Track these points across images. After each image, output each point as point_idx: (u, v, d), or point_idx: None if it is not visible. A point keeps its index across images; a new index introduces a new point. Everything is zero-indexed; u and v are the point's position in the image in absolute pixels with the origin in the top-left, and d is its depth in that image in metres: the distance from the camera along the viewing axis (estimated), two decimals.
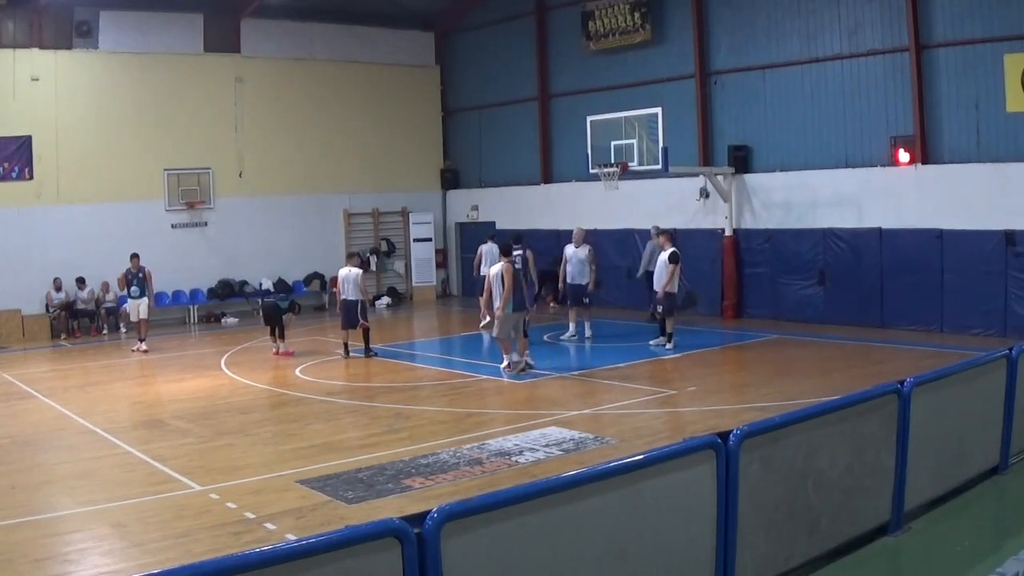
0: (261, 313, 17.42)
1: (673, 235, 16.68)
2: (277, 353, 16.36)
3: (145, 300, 17.61)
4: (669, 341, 15.39)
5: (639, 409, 11.43)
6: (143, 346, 17.53)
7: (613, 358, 14.93)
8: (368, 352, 15.88)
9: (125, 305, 20.59)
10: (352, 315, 15.66)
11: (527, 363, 13.88)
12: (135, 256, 17.65)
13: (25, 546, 7.07)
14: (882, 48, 16.93)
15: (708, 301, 19.63)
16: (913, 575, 6.00)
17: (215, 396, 13.09)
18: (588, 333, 16.82)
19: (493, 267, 14.17)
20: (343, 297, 15.77)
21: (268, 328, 16.82)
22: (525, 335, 14.20)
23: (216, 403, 12.58)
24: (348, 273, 15.82)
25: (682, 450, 4.79)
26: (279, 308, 16.56)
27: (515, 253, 15.26)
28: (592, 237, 18.38)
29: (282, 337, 16.54)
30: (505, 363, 13.89)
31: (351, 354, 15.82)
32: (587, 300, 16.83)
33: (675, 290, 15.51)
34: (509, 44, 24.43)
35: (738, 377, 13.89)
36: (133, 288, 17.51)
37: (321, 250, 23.98)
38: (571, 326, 16.99)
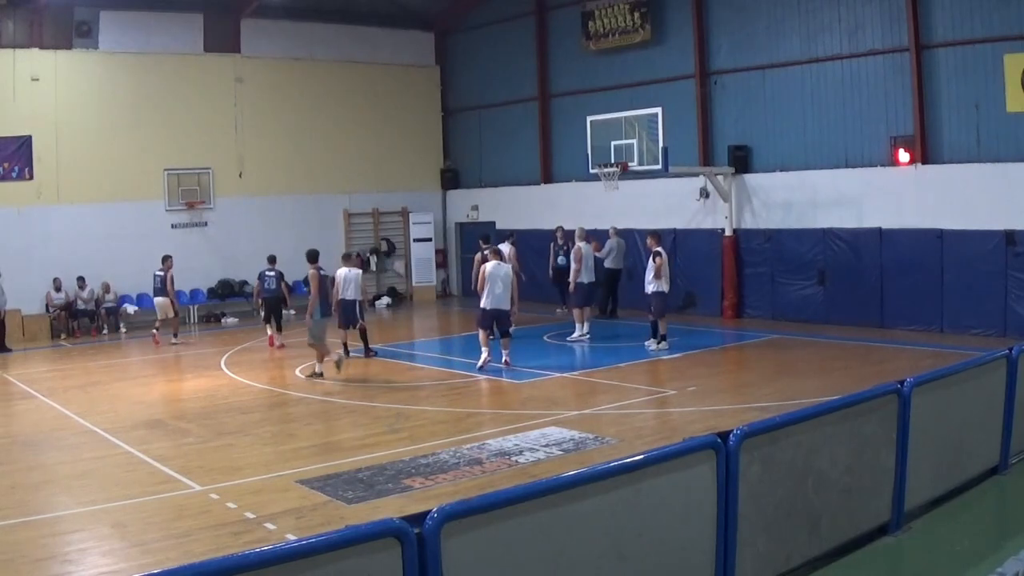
0: (264, 304, 17.74)
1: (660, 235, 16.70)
2: (273, 343, 17.03)
3: None
4: (663, 341, 15.36)
5: (639, 409, 11.43)
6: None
7: (613, 358, 14.93)
8: (368, 352, 15.91)
9: (133, 307, 20.82)
10: (351, 314, 15.57)
11: (316, 372, 14.00)
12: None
13: (25, 546, 7.07)
14: (882, 48, 16.93)
15: (708, 301, 19.64)
16: (913, 575, 6.00)
17: (215, 396, 13.09)
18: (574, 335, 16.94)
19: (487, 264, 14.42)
20: (342, 297, 15.59)
21: (265, 321, 17.49)
22: (507, 335, 14.27)
23: (216, 403, 12.58)
24: (349, 273, 15.71)
25: (682, 450, 4.79)
26: (280, 299, 16.90)
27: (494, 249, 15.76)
28: (592, 237, 18.39)
29: (279, 329, 17.01)
30: (480, 362, 14.04)
31: (351, 354, 15.80)
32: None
33: (666, 289, 15.49)
34: (509, 44, 24.43)
35: (738, 377, 13.89)
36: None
37: (321, 250, 23.74)
38: (584, 325, 17.03)
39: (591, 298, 17.02)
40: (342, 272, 15.87)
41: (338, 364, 14.09)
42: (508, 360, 14.07)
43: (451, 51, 26.37)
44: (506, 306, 14.12)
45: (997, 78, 15.18)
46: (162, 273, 18.41)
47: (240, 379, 14.35)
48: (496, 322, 14.18)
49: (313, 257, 14.60)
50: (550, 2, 23.36)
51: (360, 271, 16.17)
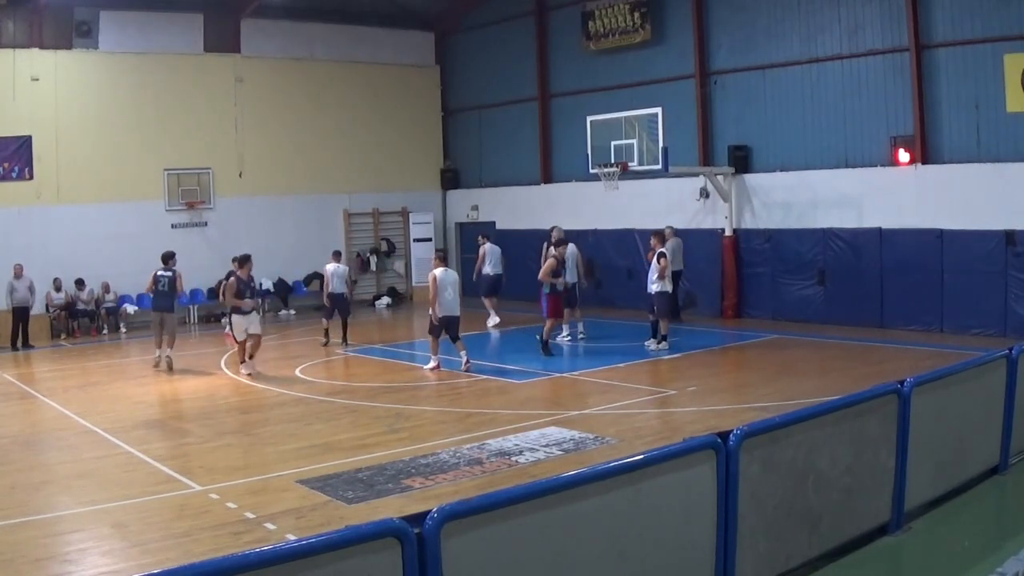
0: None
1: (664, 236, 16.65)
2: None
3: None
4: (663, 341, 15.34)
5: (639, 409, 11.42)
6: (250, 368, 14.43)
7: (612, 358, 14.92)
8: (345, 342, 16.97)
9: (133, 307, 20.63)
10: (341, 306, 16.94)
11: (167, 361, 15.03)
12: (247, 260, 14.76)
13: (25, 546, 7.07)
14: (882, 48, 16.93)
15: (708, 301, 19.63)
16: (913, 575, 6.00)
17: (215, 396, 13.09)
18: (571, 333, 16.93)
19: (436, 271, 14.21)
20: (330, 291, 16.98)
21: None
22: (457, 339, 14.09)
23: (216, 403, 12.59)
24: (336, 268, 17.19)
25: (682, 450, 4.79)
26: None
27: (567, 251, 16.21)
28: (591, 237, 18.39)
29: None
30: (431, 366, 14.15)
31: (330, 343, 17.07)
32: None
33: (669, 289, 15.45)
34: (509, 44, 24.43)
35: (738, 377, 13.88)
36: (248, 300, 14.48)
37: (321, 250, 23.81)
38: (579, 325, 16.97)
39: (571, 299, 16.79)
40: (330, 267, 17.25)
41: (159, 364, 15.23)
42: (469, 361, 14.02)
43: (451, 51, 26.37)
44: (457, 312, 14.11)
45: (997, 78, 15.18)
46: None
47: (240, 379, 14.34)
48: (446, 328, 14.00)
49: (165, 259, 15.34)
50: (550, 2, 23.35)
51: (346, 267, 17.68)
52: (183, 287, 15.66)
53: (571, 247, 16.95)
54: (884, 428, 6.03)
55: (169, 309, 15.35)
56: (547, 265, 15.65)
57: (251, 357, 14.48)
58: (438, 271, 14.12)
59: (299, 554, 3.33)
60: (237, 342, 14.55)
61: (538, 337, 15.53)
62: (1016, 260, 15.14)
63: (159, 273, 15.20)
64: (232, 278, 14.57)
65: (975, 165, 15.70)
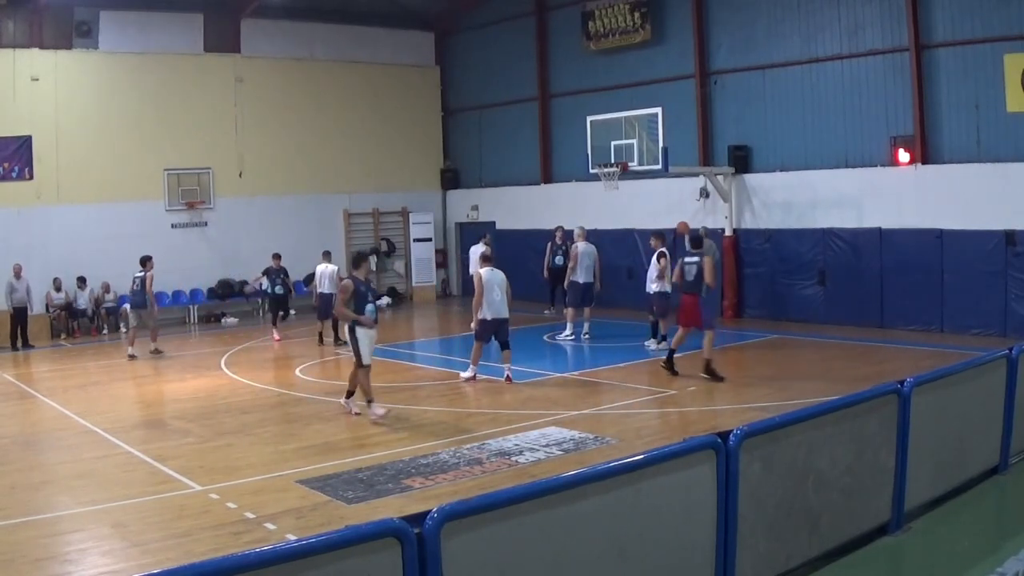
0: (269, 303, 19.27)
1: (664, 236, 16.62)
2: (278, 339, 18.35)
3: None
4: (663, 341, 15.32)
5: (639, 409, 11.43)
6: (379, 410, 11.14)
7: (613, 358, 14.92)
8: (337, 340, 16.94)
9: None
10: (328, 307, 16.76)
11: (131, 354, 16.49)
12: (364, 259, 11.68)
13: (25, 546, 7.07)
14: (882, 48, 16.93)
15: (708, 301, 19.57)
16: (913, 575, 6.00)
17: (215, 396, 13.09)
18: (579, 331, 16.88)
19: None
20: (320, 291, 17.29)
21: (271, 317, 18.79)
22: (506, 346, 13.35)
23: (216, 403, 12.58)
24: (325, 269, 17.47)
25: (682, 450, 4.79)
26: (284, 297, 18.72)
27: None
28: (592, 237, 18.37)
29: (275, 324, 18.65)
30: (468, 375, 13.28)
31: (324, 342, 17.38)
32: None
33: (668, 289, 15.46)
34: (509, 44, 24.43)
35: (738, 377, 13.87)
36: (369, 305, 11.09)
37: (321, 250, 23.87)
38: (585, 325, 16.97)
39: (586, 298, 16.88)
40: (319, 268, 17.53)
41: (132, 357, 16.57)
42: (510, 376, 13.06)
43: (451, 51, 26.37)
44: (506, 314, 13.10)
45: (997, 78, 15.17)
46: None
47: (240, 379, 14.36)
48: (495, 333, 13.18)
49: (141, 261, 16.89)
50: (550, 2, 23.36)
51: (335, 267, 17.75)
52: (151, 288, 17.00)
53: (592, 247, 16.97)
54: (884, 428, 6.03)
55: (142, 306, 16.97)
56: (708, 266, 13.20)
57: (365, 394, 11.28)
58: (484, 270, 13.22)
59: (299, 554, 3.33)
60: (362, 367, 11.07)
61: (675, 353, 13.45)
62: (1016, 260, 15.14)
63: (135, 274, 16.96)
64: (347, 280, 11.45)
65: (975, 165, 15.69)
